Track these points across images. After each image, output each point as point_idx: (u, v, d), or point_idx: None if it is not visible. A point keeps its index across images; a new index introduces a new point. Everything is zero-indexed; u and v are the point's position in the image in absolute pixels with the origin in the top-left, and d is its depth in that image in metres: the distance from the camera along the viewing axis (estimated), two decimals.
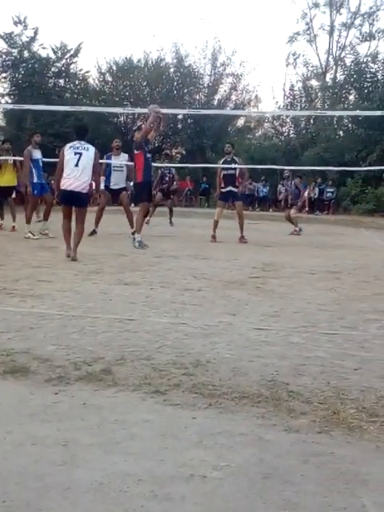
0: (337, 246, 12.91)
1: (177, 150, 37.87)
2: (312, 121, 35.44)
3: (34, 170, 12.35)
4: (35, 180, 12.36)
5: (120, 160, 13.47)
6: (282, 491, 2.35)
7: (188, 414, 3.10)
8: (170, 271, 8.15)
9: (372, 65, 32.46)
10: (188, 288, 6.83)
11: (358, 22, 39.44)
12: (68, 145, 9.41)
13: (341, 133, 34.40)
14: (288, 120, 37.29)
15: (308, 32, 40.27)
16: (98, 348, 4.22)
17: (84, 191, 9.12)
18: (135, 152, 11.19)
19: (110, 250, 10.20)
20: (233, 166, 13.16)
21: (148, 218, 16.26)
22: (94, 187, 9.83)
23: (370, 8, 38.92)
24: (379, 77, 31.75)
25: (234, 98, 38.56)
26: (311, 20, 39.97)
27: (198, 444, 2.74)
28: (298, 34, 40.42)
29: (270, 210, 30.54)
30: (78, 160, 9.07)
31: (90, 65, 61.57)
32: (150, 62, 37.81)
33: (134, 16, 65.67)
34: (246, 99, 38.76)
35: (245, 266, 8.79)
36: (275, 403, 3.26)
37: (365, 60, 33.32)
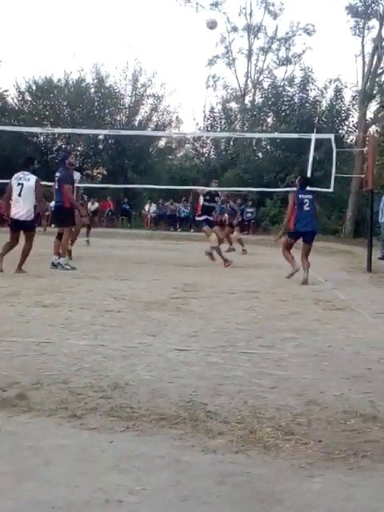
0: (256, 266, 13.10)
1: (98, 171, 37.72)
2: (232, 142, 36.02)
3: None
4: None
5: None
6: None
7: (105, 437, 3.06)
8: (90, 292, 8.07)
9: (289, 88, 33.32)
10: (108, 309, 6.77)
11: (274, 46, 40.48)
12: (14, 176, 10.25)
13: (260, 154, 35.12)
14: (208, 141, 37.74)
15: (227, 55, 40.98)
16: (14, 372, 4.12)
17: (28, 219, 10.03)
18: (64, 184, 11.19)
19: (29, 272, 10.01)
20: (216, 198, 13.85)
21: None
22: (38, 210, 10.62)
23: (287, 33, 40.03)
24: (296, 100, 32.60)
25: (155, 118, 38.76)
26: (230, 44, 40.72)
27: (114, 468, 2.71)
28: (217, 57, 41.11)
29: (191, 230, 30.72)
30: (20, 190, 9.92)
31: (9, 84, 60.67)
32: (70, 82, 37.60)
33: (53, 35, 65.31)
34: (166, 120, 39.04)
35: (165, 287, 8.80)
36: (193, 424, 3.26)
37: (282, 84, 34.18)
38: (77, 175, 13.36)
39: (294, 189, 12.01)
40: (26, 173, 10.15)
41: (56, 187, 11.30)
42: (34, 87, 37.30)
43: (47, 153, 37.56)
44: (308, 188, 11.23)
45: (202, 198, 13.68)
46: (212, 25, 11.35)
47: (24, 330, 5.58)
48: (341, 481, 2.65)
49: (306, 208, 10.78)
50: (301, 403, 3.66)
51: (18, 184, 10.00)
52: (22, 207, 9.95)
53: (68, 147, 33.86)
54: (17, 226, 10.11)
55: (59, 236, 11.25)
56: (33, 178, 10.07)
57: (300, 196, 10.79)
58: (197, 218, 13.74)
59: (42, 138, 37.12)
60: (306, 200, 10.75)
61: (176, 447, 2.96)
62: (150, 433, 3.14)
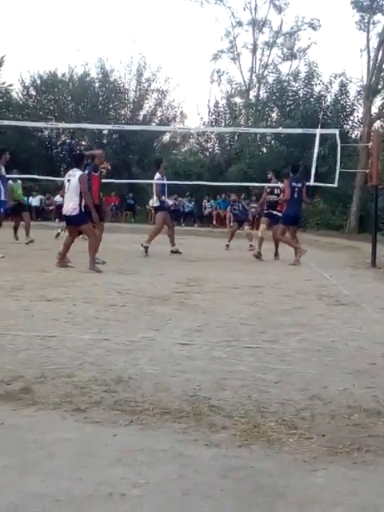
0: (260, 261, 13.08)
1: (102, 166, 37.65)
2: (236, 137, 35.93)
3: (1, 188, 12.00)
4: (2, 197, 12.03)
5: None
6: (201, 507, 2.34)
7: (108, 431, 3.06)
8: (94, 287, 8.08)
9: (293, 83, 33.24)
10: (112, 304, 6.78)
11: (279, 41, 40.41)
12: (66, 173, 10.79)
13: (264, 149, 35.00)
14: (213, 136, 37.69)
15: (231, 50, 40.95)
16: (18, 366, 4.13)
17: (73, 213, 10.27)
18: (94, 174, 11.54)
19: (34, 267, 10.04)
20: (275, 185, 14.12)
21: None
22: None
23: (292, 28, 39.95)
24: (300, 95, 32.52)
25: (159, 113, 38.76)
26: (235, 38, 40.65)
27: (117, 461, 2.71)
28: (221, 51, 41.06)
29: (196, 225, 30.72)
30: (68, 186, 10.35)
31: (13, 78, 60.66)
32: (74, 77, 37.58)
33: (58, 30, 65.23)
34: (171, 115, 39.03)
35: (169, 281, 8.80)
36: (196, 418, 3.26)
37: (287, 78, 34.09)
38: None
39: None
40: (74, 169, 10.46)
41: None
42: (38, 82, 37.32)
43: (51, 147, 37.60)
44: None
45: (266, 194, 14.20)
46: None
47: (28, 323, 5.59)
48: (344, 475, 2.65)
49: (295, 196, 12.00)
50: (304, 398, 3.66)
51: (67, 180, 10.39)
52: (68, 203, 10.34)
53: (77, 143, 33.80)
54: (66, 221, 10.69)
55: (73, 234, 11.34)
56: (77, 174, 10.30)
57: (293, 184, 12.01)
58: (264, 211, 14.37)
59: (46, 133, 37.16)
60: (296, 188, 11.99)
61: (179, 441, 2.97)
62: (153, 427, 3.14)
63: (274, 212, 13.75)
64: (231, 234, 17.07)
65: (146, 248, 13.16)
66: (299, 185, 12.51)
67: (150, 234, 13.45)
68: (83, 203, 10.20)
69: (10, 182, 15.98)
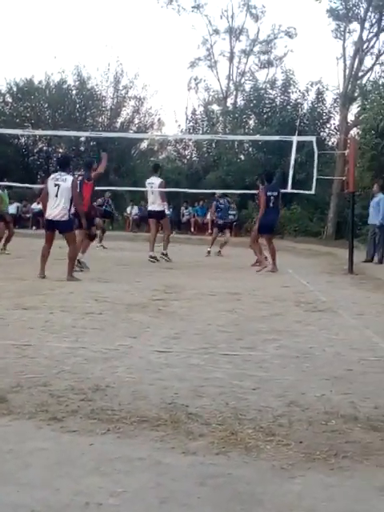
0: (237, 268, 13.11)
1: (80, 173, 37.49)
2: (214, 144, 35.96)
3: None
4: None
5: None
6: None
7: (85, 440, 3.04)
8: (71, 295, 8.03)
9: (270, 91, 33.40)
10: (89, 312, 6.75)
11: (256, 49, 40.56)
12: (50, 176, 10.37)
13: (242, 157, 35.10)
14: (190, 143, 37.71)
15: (209, 58, 40.96)
16: None
17: (63, 219, 9.86)
18: (87, 182, 11.57)
19: (10, 275, 9.96)
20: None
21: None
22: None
23: (268, 36, 40.12)
24: (277, 102, 32.69)
25: (136, 120, 38.70)
26: (212, 46, 40.70)
27: (94, 471, 2.69)
28: (199, 59, 41.06)
29: (174, 232, 30.64)
30: (57, 191, 9.84)
31: None
32: (51, 84, 37.41)
33: (34, 36, 64.94)
34: (148, 122, 39.00)
35: (147, 289, 8.78)
36: (174, 426, 3.25)
37: (264, 86, 34.26)
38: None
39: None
40: (62, 173, 10.05)
41: (78, 190, 10.98)
42: (14, 89, 37.06)
43: (28, 155, 37.40)
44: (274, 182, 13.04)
45: None
46: None
47: (4, 332, 5.55)
48: (322, 481, 2.66)
49: (270, 205, 12.07)
50: (282, 404, 3.67)
51: (55, 185, 9.88)
52: (56, 208, 9.82)
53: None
54: (51, 227, 10.08)
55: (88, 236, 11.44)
56: (69, 179, 9.98)
57: (268, 193, 12.46)
58: None
59: (22, 140, 36.91)
60: (271, 197, 12.08)
61: (157, 449, 2.95)
62: (130, 435, 3.12)
63: None
64: (213, 239, 17.15)
65: (166, 255, 13.80)
66: (274, 193, 12.47)
67: (165, 241, 14.10)
68: (72, 210, 9.99)
69: None
